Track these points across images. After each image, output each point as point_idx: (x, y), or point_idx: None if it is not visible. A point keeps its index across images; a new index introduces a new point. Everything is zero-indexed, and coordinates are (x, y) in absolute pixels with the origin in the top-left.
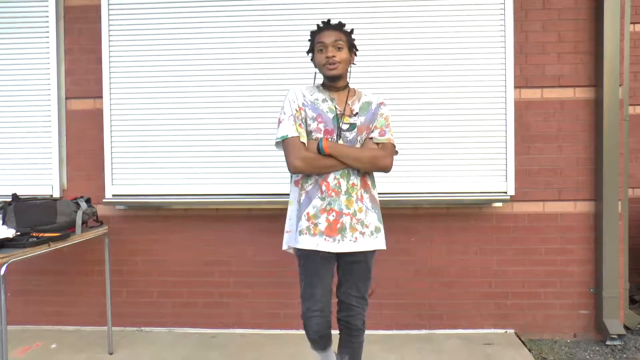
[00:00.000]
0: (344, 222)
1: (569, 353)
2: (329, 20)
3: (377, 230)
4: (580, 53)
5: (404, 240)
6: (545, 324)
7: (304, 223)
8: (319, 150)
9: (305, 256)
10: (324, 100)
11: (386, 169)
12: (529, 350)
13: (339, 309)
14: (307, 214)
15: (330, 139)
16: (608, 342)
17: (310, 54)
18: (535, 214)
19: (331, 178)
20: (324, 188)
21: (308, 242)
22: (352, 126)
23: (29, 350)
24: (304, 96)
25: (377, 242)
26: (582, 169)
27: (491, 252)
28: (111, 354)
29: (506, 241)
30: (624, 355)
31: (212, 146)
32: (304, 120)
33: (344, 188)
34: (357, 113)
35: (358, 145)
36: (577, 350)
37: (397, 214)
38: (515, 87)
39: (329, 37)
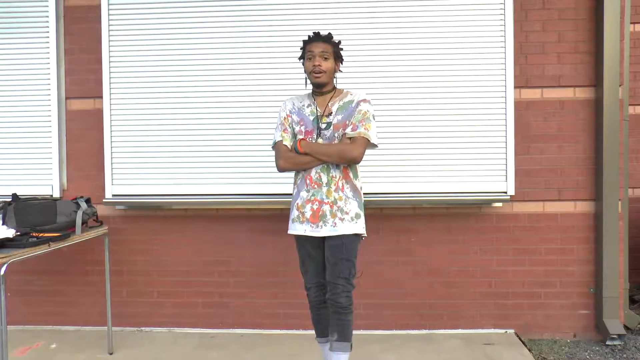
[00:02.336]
0: (324, 210)
1: (569, 353)
2: (319, 32)
3: (357, 216)
4: (580, 53)
5: (404, 240)
6: (545, 324)
7: (295, 212)
8: (296, 150)
9: (297, 240)
10: (308, 106)
11: (354, 160)
12: (529, 350)
13: (327, 290)
14: (297, 204)
15: (309, 139)
16: (608, 342)
17: (302, 61)
18: (535, 214)
19: (313, 172)
20: (308, 181)
21: (298, 229)
22: (329, 125)
23: (29, 350)
24: (294, 104)
25: (356, 227)
26: (582, 169)
27: (491, 252)
28: (111, 354)
29: (506, 241)
30: (624, 355)
31: (212, 146)
32: (290, 125)
33: (324, 180)
34: (331, 113)
35: (336, 141)
36: (577, 350)
37: (397, 214)
38: (515, 87)
39: (317, 48)
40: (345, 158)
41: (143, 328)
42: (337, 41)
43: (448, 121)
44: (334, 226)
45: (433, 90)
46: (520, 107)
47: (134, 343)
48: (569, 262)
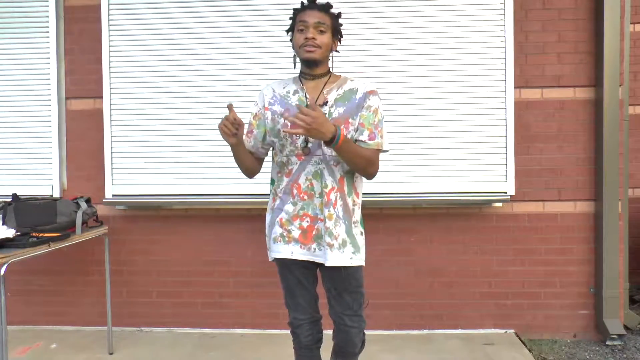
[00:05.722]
0: (319, 229)
1: (569, 353)
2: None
3: (343, 244)
4: (580, 53)
5: (404, 240)
6: (545, 324)
7: (277, 230)
8: (334, 139)
9: (283, 265)
10: (295, 92)
11: (371, 176)
12: (529, 350)
13: (334, 332)
14: (280, 220)
15: (296, 135)
16: (608, 342)
17: (290, 34)
18: (535, 214)
19: (302, 179)
20: (295, 191)
21: (283, 251)
22: None
23: (29, 350)
24: (274, 91)
25: (342, 257)
26: (582, 169)
27: (491, 252)
28: (111, 354)
29: (506, 241)
30: (624, 355)
31: (212, 146)
32: (269, 120)
33: (317, 190)
34: (326, 102)
35: None
36: (577, 350)
37: (397, 214)
38: (515, 87)
39: (311, 17)
40: (368, 170)
41: (143, 328)
42: (337, 13)
43: (448, 121)
44: (328, 250)
45: (433, 90)
46: (520, 107)
47: (134, 343)
48: (569, 262)
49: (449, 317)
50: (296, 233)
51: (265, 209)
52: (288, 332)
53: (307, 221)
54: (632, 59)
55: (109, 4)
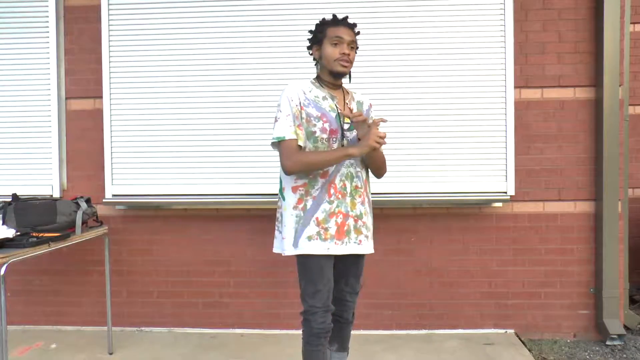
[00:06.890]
0: (349, 225)
1: (569, 353)
2: (346, 17)
3: (371, 233)
4: (580, 53)
5: (404, 240)
6: (545, 324)
7: (313, 229)
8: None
9: (311, 259)
10: (324, 98)
11: (382, 176)
12: (529, 350)
13: (332, 302)
14: (317, 219)
15: (333, 139)
16: (608, 342)
17: (314, 44)
18: (535, 214)
19: (337, 180)
20: (332, 191)
21: (319, 248)
22: (352, 126)
23: (29, 350)
24: (305, 93)
25: (370, 245)
26: (582, 169)
27: (491, 252)
28: (111, 354)
29: (506, 241)
30: (624, 355)
31: (212, 146)
32: (304, 120)
33: (348, 190)
34: (352, 112)
35: None
36: (577, 350)
37: (397, 214)
38: (515, 87)
39: (348, 35)
40: (384, 170)
41: (143, 328)
42: (357, 31)
43: (448, 121)
44: (358, 244)
45: (433, 90)
46: (520, 107)
47: (134, 343)
48: (569, 262)
49: (449, 317)
50: (333, 230)
51: (265, 209)
52: (288, 332)
53: (341, 218)
54: (632, 59)
55: (109, 4)
